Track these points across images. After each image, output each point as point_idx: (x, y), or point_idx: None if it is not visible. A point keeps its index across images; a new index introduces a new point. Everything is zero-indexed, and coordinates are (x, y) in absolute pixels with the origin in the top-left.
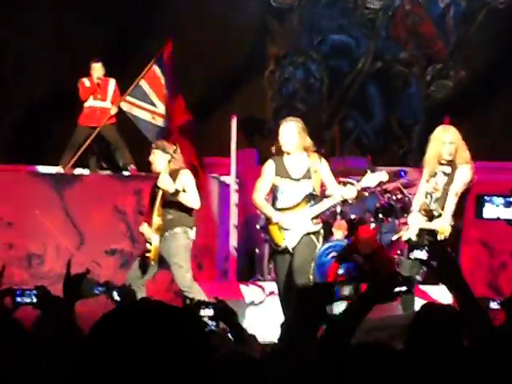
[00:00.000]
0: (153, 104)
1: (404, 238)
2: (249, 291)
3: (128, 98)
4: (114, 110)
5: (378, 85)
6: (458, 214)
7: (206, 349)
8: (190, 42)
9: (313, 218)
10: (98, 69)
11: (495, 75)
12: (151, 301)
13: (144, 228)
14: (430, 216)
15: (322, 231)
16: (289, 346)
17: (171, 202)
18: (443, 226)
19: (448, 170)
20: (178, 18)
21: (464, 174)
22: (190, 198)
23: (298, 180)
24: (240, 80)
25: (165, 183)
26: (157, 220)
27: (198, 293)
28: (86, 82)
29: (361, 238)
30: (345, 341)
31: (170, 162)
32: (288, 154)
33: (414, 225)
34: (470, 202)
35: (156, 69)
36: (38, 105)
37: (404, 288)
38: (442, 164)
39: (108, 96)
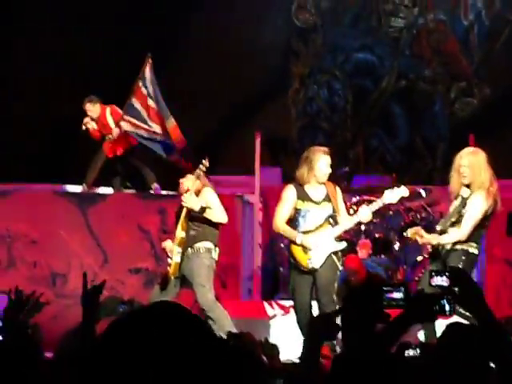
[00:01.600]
0: (146, 123)
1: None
2: (273, 310)
3: (126, 117)
4: (116, 132)
5: (402, 103)
6: (472, 240)
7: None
8: (215, 59)
9: (336, 238)
10: (90, 110)
11: None
12: (167, 304)
13: (167, 243)
14: None
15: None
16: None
17: (196, 218)
18: (430, 240)
19: (466, 193)
20: (204, 38)
21: (475, 201)
22: (217, 214)
23: (319, 203)
24: (265, 99)
25: (191, 202)
26: (180, 234)
27: (220, 313)
28: (90, 126)
29: (348, 268)
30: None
31: (197, 185)
32: (318, 182)
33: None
34: (496, 222)
35: (142, 88)
36: (63, 123)
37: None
38: (465, 186)
39: (111, 126)
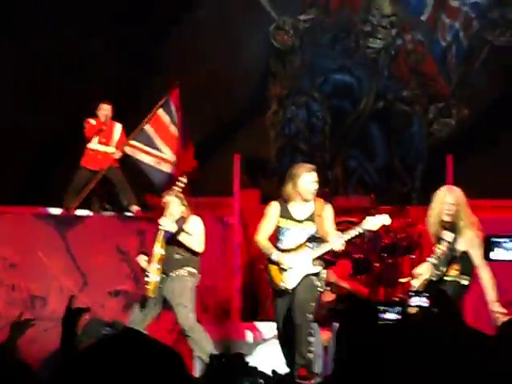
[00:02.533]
0: (158, 149)
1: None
2: (253, 332)
3: (132, 142)
4: (117, 155)
5: (380, 124)
6: (466, 274)
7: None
8: (193, 82)
9: (314, 260)
10: (105, 110)
11: (498, 113)
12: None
13: (141, 260)
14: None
15: (323, 271)
16: None
17: (180, 243)
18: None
19: (450, 238)
20: (181, 59)
21: (470, 242)
22: (194, 241)
23: (302, 222)
24: (243, 120)
25: (168, 226)
26: (159, 251)
27: (200, 333)
28: (92, 121)
29: (341, 287)
30: None
31: (182, 212)
32: (305, 200)
33: (423, 275)
34: None
35: (162, 114)
36: (41, 146)
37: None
38: (444, 228)
39: (113, 140)
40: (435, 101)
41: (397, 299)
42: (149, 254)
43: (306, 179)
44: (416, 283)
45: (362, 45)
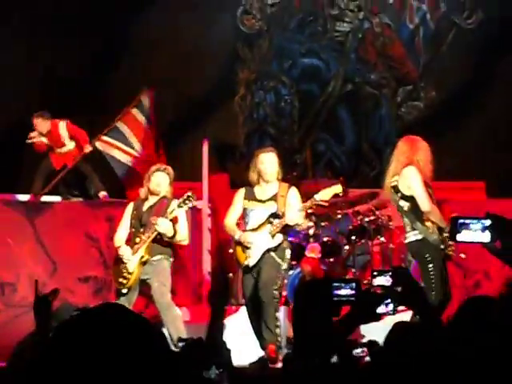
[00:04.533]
0: (131, 146)
1: None
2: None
3: (104, 137)
4: (88, 149)
5: (348, 107)
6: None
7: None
8: (160, 66)
9: (273, 235)
10: (42, 125)
11: (466, 95)
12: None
13: (125, 252)
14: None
15: (287, 251)
16: None
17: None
18: None
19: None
20: (148, 42)
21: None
22: (182, 238)
23: (264, 202)
24: (211, 105)
25: (165, 228)
26: (143, 253)
27: (175, 312)
28: (36, 140)
29: (304, 269)
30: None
31: (167, 191)
32: (265, 181)
33: None
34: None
35: (137, 113)
36: (8, 132)
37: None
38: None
39: (64, 138)
40: (403, 84)
41: (353, 277)
42: (120, 229)
43: (263, 159)
44: None
45: (330, 28)
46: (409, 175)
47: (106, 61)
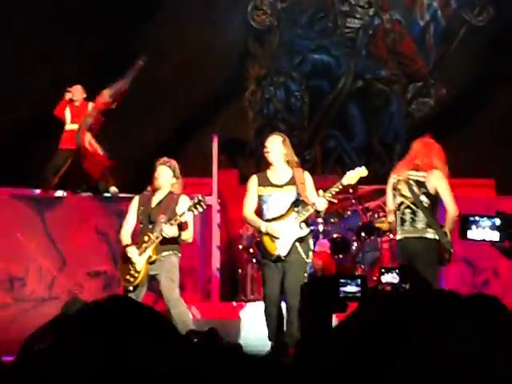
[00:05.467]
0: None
1: None
2: (232, 312)
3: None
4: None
5: (358, 104)
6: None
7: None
8: (172, 62)
9: (301, 223)
10: (77, 91)
11: (476, 92)
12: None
13: (133, 253)
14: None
15: (311, 242)
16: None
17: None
18: None
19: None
20: (159, 39)
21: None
22: (187, 237)
23: (282, 187)
24: (221, 101)
25: (171, 234)
26: (151, 253)
27: (183, 307)
28: (68, 97)
29: (315, 264)
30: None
31: (173, 185)
32: (271, 164)
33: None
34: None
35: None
36: (19, 127)
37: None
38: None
39: (81, 119)
40: (413, 80)
41: (360, 273)
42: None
43: (272, 145)
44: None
45: (340, 24)
46: (440, 178)
47: (110, 58)
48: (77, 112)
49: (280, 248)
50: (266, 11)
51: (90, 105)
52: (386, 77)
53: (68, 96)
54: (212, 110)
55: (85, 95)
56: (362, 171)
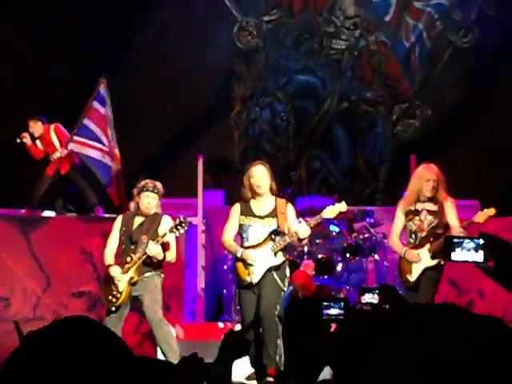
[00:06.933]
0: (101, 142)
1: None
2: (217, 332)
3: (76, 137)
4: (63, 153)
5: (344, 125)
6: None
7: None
8: (157, 82)
9: (275, 253)
10: (35, 128)
11: (461, 114)
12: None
13: (115, 273)
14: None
15: (287, 270)
16: None
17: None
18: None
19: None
20: (144, 58)
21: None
22: (170, 259)
23: (263, 218)
24: (207, 121)
25: (156, 252)
26: (133, 275)
27: (167, 328)
28: (26, 141)
29: (295, 283)
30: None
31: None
32: (259, 195)
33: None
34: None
35: (96, 104)
36: (3, 147)
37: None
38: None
39: (55, 143)
40: (399, 102)
41: (342, 296)
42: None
43: (253, 173)
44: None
45: (326, 46)
46: (453, 206)
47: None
48: (46, 144)
49: (252, 274)
50: (251, 32)
51: (51, 128)
52: (372, 98)
53: (28, 141)
54: (198, 130)
55: (42, 125)
56: (341, 207)
